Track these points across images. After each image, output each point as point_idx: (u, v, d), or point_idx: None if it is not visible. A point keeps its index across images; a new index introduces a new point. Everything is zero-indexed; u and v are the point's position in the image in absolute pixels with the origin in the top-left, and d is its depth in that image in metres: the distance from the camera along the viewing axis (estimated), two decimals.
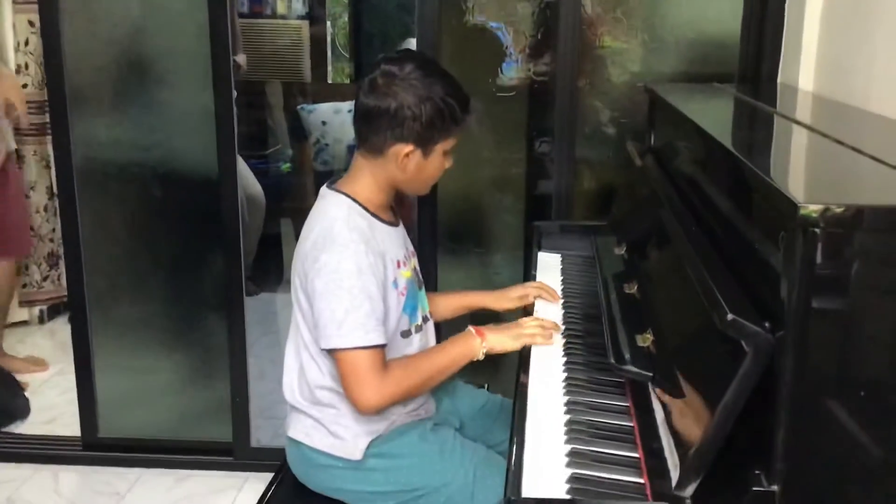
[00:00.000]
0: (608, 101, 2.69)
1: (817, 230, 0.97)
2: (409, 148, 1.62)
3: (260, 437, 2.83)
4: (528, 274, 2.22)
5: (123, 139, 2.72)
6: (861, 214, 0.98)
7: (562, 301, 1.97)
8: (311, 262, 1.61)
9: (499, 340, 1.71)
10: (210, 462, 2.84)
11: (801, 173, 1.37)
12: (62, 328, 3.89)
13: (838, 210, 0.97)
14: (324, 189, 1.72)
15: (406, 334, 1.71)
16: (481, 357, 1.70)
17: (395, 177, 1.67)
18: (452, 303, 1.98)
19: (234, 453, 2.83)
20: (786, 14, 2.37)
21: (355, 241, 1.59)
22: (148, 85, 2.68)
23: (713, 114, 1.99)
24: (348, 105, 4.47)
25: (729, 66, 2.55)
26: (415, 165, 1.65)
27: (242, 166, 3.93)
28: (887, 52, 1.80)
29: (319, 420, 1.68)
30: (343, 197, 1.67)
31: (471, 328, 1.72)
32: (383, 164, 1.65)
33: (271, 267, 4.04)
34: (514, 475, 1.28)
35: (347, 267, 1.57)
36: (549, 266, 2.24)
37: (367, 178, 1.68)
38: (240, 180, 3.42)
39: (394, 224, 1.74)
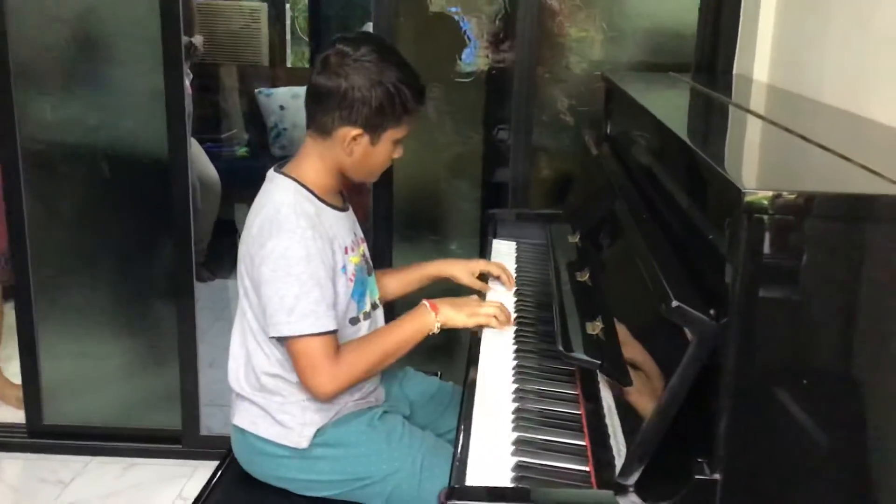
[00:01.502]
0: (566, 90, 2.68)
1: (764, 217, 0.97)
2: (356, 132, 1.59)
3: (210, 425, 2.78)
4: None
5: (71, 120, 2.66)
6: (809, 202, 0.98)
7: (515, 289, 1.96)
8: (258, 248, 1.57)
9: (453, 315, 1.69)
10: (158, 450, 2.79)
11: (752, 161, 1.37)
12: (7, 313, 3.79)
13: (787, 197, 0.97)
14: (271, 172, 1.68)
15: (354, 321, 1.69)
16: (436, 331, 1.68)
17: (342, 161, 1.64)
18: (413, 274, 1.96)
19: (182, 441, 2.79)
20: (742, 6, 2.39)
21: (303, 227, 1.55)
22: (97, 64, 2.62)
23: (668, 103, 1.99)
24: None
25: (685, 56, 2.56)
26: (362, 151, 1.62)
27: (197, 150, 3.88)
28: (840, 44, 1.81)
29: (265, 408, 1.65)
30: (290, 181, 1.63)
31: (425, 302, 1.70)
32: (331, 146, 1.62)
33: (225, 253, 3.98)
34: (459, 463, 1.27)
35: (296, 253, 1.54)
36: (504, 254, 2.23)
37: (316, 161, 1.65)
38: (194, 164, 3.38)
39: (342, 209, 1.71)
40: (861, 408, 1.05)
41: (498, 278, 1.95)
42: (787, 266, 0.99)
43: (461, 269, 1.96)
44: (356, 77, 1.57)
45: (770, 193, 0.96)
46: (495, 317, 1.72)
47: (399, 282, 1.95)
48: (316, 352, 1.55)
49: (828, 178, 1.18)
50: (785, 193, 0.97)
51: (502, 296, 1.90)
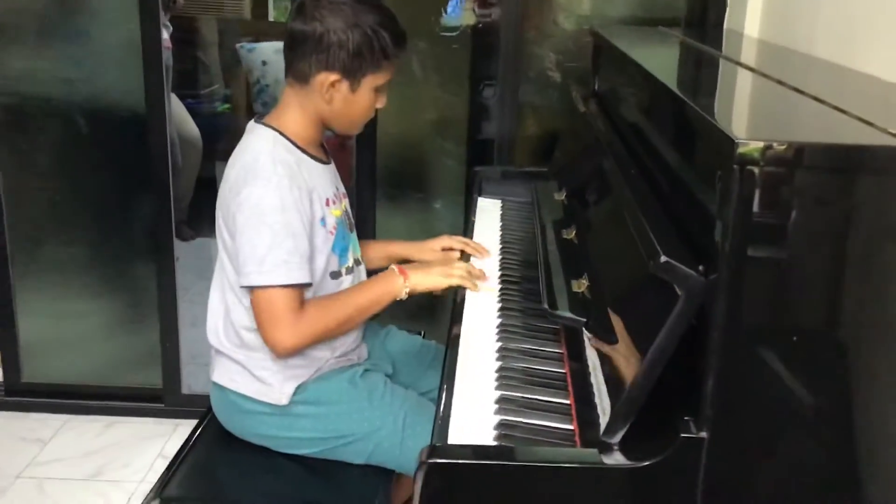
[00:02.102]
0: (553, 45, 2.64)
1: (756, 169, 0.94)
2: (334, 77, 1.55)
3: (191, 383, 2.76)
4: (467, 220, 2.18)
5: (46, 73, 2.59)
6: (802, 152, 0.95)
7: (500, 247, 1.93)
8: (233, 196, 1.54)
9: (422, 280, 1.67)
10: (139, 408, 2.77)
11: (744, 114, 1.34)
12: None
13: (779, 147, 0.94)
14: (251, 123, 1.64)
15: (336, 275, 1.65)
16: (404, 297, 1.65)
17: (322, 110, 1.59)
18: (377, 251, 1.91)
19: (164, 400, 2.76)
20: None
21: (279, 175, 1.52)
22: (72, 15, 2.55)
23: (657, 56, 1.95)
24: None
25: (675, 11, 2.52)
26: (342, 98, 1.58)
27: (178, 106, 3.80)
28: None
29: (244, 364, 1.62)
30: (269, 130, 1.59)
31: (393, 267, 1.68)
32: (309, 94, 1.58)
33: (207, 211, 3.89)
34: (441, 422, 1.24)
35: (270, 202, 1.50)
36: (489, 212, 2.20)
37: (296, 110, 1.60)
38: (174, 121, 3.31)
39: (324, 161, 1.67)
40: (852, 365, 1.03)
41: (462, 252, 1.88)
42: (779, 220, 0.97)
43: (416, 251, 1.91)
44: (332, 20, 1.52)
45: (762, 144, 0.93)
46: (467, 277, 1.69)
47: (365, 255, 1.86)
48: (279, 304, 1.51)
49: (822, 130, 1.15)
50: (777, 144, 0.94)
51: (487, 262, 1.85)
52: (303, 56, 1.55)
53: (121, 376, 2.82)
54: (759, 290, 1.01)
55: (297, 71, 1.57)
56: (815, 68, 1.71)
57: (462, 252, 1.88)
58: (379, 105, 1.64)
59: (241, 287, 1.56)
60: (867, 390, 1.05)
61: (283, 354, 1.57)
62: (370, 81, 1.58)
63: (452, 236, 1.93)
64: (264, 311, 1.52)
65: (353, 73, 1.56)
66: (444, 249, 1.90)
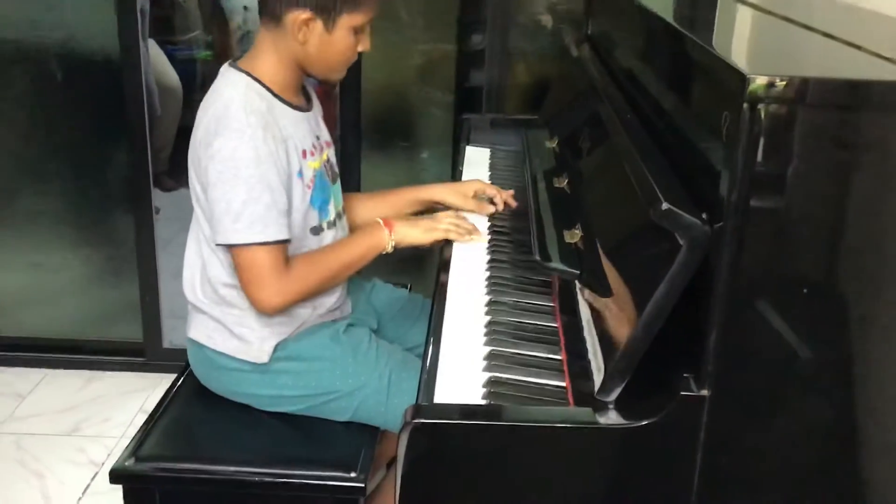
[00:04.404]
0: None
1: (768, 106, 0.86)
2: (305, 15, 1.45)
3: (173, 337, 2.70)
4: (455, 169, 2.11)
5: (14, 16, 2.49)
6: (819, 87, 0.88)
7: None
8: (204, 147, 1.45)
9: (408, 233, 1.61)
10: (120, 363, 2.72)
11: (751, 50, 1.26)
12: None
13: (793, 83, 0.86)
14: (224, 66, 1.55)
15: (316, 231, 1.58)
16: (390, 250, 1.59)
17: (297, 52, 1.50)
18: (405, 198, 1.80)
19: (145, 354, 2.71)
20: None
21: (252, 126, 1.43)
22: None
23: None
24: None
25: None
26: (317, 39, 1.48)
27: (156, 53, 3.68)
28: None
29: (222, 321, 1.55)
30: (242, 75, 1.50)
31: (379, 220, 1.61)
32: (283, 35, 1.48)
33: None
34: (427, 379, 1.19)
35: (244, 154, 1.42)
36: (477, 161, 2.13)
37: (270, 53, 1.51)
38: (153, 68, 3.20)
39: (302, 109, 1.57)
40: (862, 319, 0.97)
41: (493, 199, 1.80)
42: (793, 163, 0.90)
43: (453, 193, 1.80)
44: None
45: (775, 80, 0.86)
46: (454, 230, 1.63)
47: (380, 207, 1.77)
48: (262, 263, 1.45)
49: (838, 65, 1.07)
50: (791, 79, 0.86)
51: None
52: None
53: (101, 330, 2.77)
54: (768, 240, 0.94)
55: (269, 9, 1.47)
56: (820, 5, 1.63)
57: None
58: (361, 48, 1.54)
59: (217, 245, 1.49)
60: (877, 343, 0.99)
61: (269, 313, 1.51)
62: (347, 21, 1.48)
63: (485, 183, 1.84)
64: (246, 270, 1.45)
65: (326, 11, 1.45)
66: (476, 196, 1.81)
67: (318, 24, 1.46)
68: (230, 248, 1.47)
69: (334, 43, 1.49)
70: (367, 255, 1.58)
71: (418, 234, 1.62)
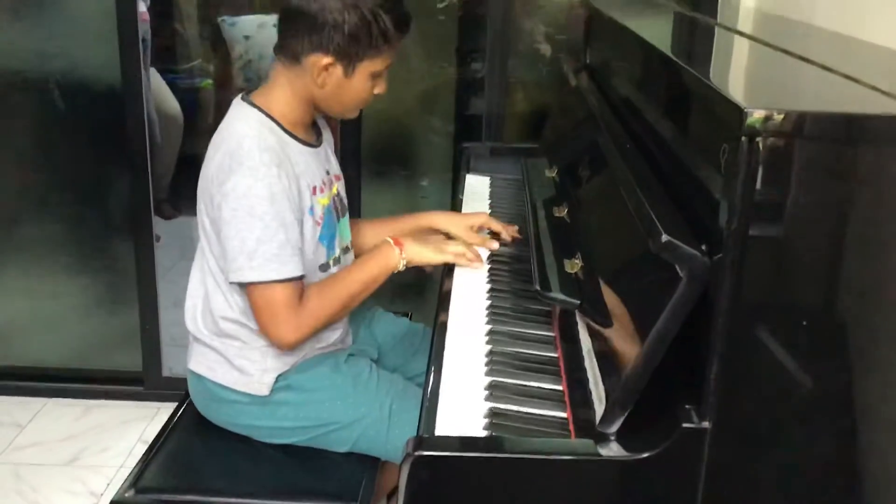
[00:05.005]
0: (543, 17, 2.57)
1: (766, 140, 0.87)
2: (327, 60, 1.45)
3: (172, 365, 2.69)
4: (455, 197, 2.11)
5: (18, 45, 2.51)
6: (816, 122, 0.88)
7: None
8: (218, 185, 1.45)
9: (419, 251, 1.60)
10: (119, 392, 2.71)
11: (748, 82, 1.27)
12: None
13: (791, 117, 0.87)
14: (237, 100, 1.55)
15: (324, 268, 1.58)
16: (402, 268, 1.59)
17: (313, 92, 1.50)
18: (400, 226, 1.79)
19: (144, 383, 2.70)
20: None
21: (267, 164, 1.43)
22: None
23: (653, 26, 1.88)
24: (273, 19, 4.20)
25: None
26: (335, 83, 1.48)
27: (158, 82, 3.70)
28: None
29: (223, 353, 1.55)
30: (254, 110, 1.50)
31: (388, 238, 1.61)
32: (300, 74, 1.48)
33: (189, 188, 3.82)
34: (428, 410, 1.18)
35: (259, 192, 1.42)
36: (477, 190, 2.14)
37: (284, 89, 1.51)
38: (155, 97, 3.22)
39: (312, 144, 1.58)
40: (863, 350, 0.97)
41: (499, 235, 1.79)
42: (791, 195, 0.90)
43: (458, 224, 1.79)
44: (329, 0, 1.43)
45: (773, 113, 0.86)
46: (461, 255, 1.63)
47: (384, 234, 1.73)
48: (278, 300, 1.45)
49: (836, 99, 1.08)
50: (789, 113, 0.87)
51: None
52: (295, 34, 1.45)
53: (100, 359, 2.76)
54: (767, 271, 0.95)
55: (289, 49, 1.47)
56: (817, 37, 1.64)
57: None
58: (377, 91, 1.54)
59: (231, 283, 1.49)
60: (877, 374, 0.99)
61: (286, 349, 1.52)
62: (367, 67, 1.48)
63: (491, 217, 1.82)
64: (263, 307, 1.46)
65: (347, 58, 1.46)
66: (480, 229, 1.79)
67: (338, 69, 1.47)
68: (246, 285, 1.47)
69: (352, 86, 1.50)
70: (380, 276, 1.58)
71: (429, 252, 1.62)
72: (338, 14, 1.42)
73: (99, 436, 2.54)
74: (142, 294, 2.63)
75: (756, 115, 0.86)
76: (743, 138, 0.88)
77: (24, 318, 2.74)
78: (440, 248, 1.64)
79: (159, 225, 2.66)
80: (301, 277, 1.48)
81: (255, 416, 1.56)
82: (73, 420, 2.61)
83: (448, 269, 1.65)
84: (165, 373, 2.69)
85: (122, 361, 2.72)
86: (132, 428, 2.57)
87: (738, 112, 0.87)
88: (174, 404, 1.73)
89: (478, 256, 1.67)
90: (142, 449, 2.33)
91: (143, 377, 2.70)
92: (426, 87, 2.69)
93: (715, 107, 0.98)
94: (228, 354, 1.54)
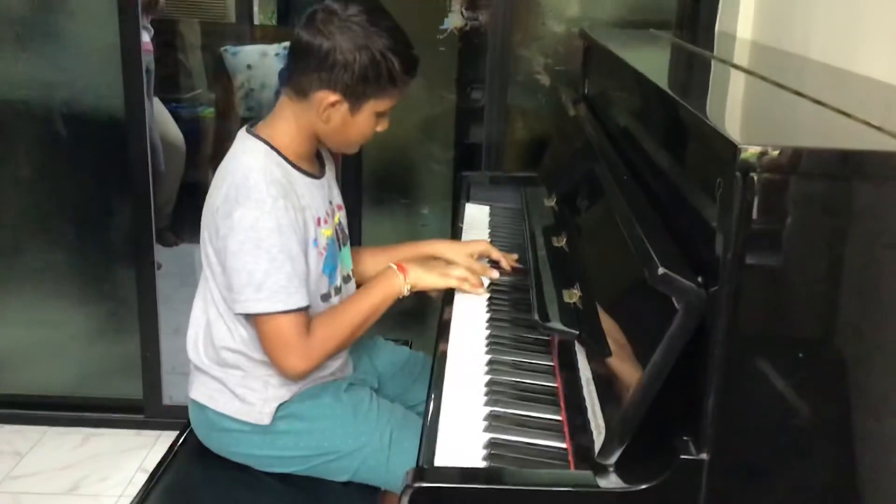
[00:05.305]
0: (542, 48, 2.59)
1: (760, 175, 0.88)
2: (334, 98, 1.47)
3: (173, 394, 2.69)
4: (454, 226, 2.13)
5: (23, 76, 2.54)
6: (810, 157, 0.90)
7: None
8: (223, 217, 1.46)
9: (423, 276, 1.62)
10: (119, 420, 2.71)
11: (743, 117, 1.28)
12: None
13: (785, 153, 0.88)
14: (242, 131, 1.56)
15: (325, 297, 1.59)
16: (406, 293, 1.60)
17: (318, 127, 1.52)
18: (401, 255, 1.78)
19: (144, 411, 2.70)
20: None
21: (273, 196, 1.44)
22: (51, 16, 2.49)
23: (650, 59, 1.90)
24: (276, 48, 4.26)
25: (665, 13, 2.48)
26: (340, 119, 1.50)
27: (161, 110, 3.73)
28: None
29: (224, 382, 1.55)
30: (259, 143, 1.51)
31: (392, 265, 1.62)
32: (307, 109, 1.50)
33: (191, 216, 3.84)
34: (428, 440, 1.19)
35: (266, 224, 1.43)
36: (477, 218, 2.15)
37: (290, 122, 1.52)
38: (157, 125, 3.25)
39: (316, 176, 1.59)
40: (861, 382, 0.98)
41: (498, 263, 1.80)
42: (785, 229, 0.91)
43: (458, 252, 1.80)
44: (341, 38, 1.43)
45: (767, 149, 0.88)
46: (464, 279, 1.64)
47: (384, 262, 1.73)
48: (287, 331, 1.46)
49: (828, 134, 1.10)
50: (783, 149, 0.88)
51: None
52: (305, 70, 1.46)
53: (100, 387, 2.76)
54: (763, 304, 0.96)
55: (297, 84, 1.49)
56: (811, 70, 1.67)
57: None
58: (380, 129, 1.56)
59: (237, 314, 1.50)
60: (874, 406, 1.00)
61: (296, 379, 1.53)
62: (373, 106, 1.49)
63: (491, 246, 1.83)
64: (271, 338, 1.47)
65: (355, 96, 1.47)
66: (480, 257, 1.81)
67: (345, 107, 1.48)
68: (253, 317, 1.48)
69: (356, 124, 1.51)
70: (385, 302, 1.59)
71: (433, 278, 1.63)
72: (349, 54, 1.43)
73: (99, 464, 2.53)
74: (143, 322, 2.64)
75: (750, 151, 0.88)
76: (737, 173, 0.89)
77: (24, 346, 2.75)
78: (444, 272, 1.65)
79: (161, 252, 2.67)
80: (307, 308, 1.49)
81: (256, 445, 1.56)
82: (72, 448, 2.61)
83: (448, 298, 1.66)
84: (166, 401, 2.69)
85: (123, 389, 2.73)
86: (132, 456, 2.57)
87: (733, 148, 0.89)
88: (174, 433, 1.73)
89: (480, 282, 1.68)
90: (141, 477, 2.34)
91: (144, 405, 2.70)
92: (427, 116, 2.72)
93: (710, 141, 1.00)
94: (230, 384, 1.55)
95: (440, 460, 1.13)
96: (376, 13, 1.47)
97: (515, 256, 1.82)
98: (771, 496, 1.02)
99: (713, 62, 1.79)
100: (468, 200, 2.24)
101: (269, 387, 1.54)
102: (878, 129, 1.00)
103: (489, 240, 1.96)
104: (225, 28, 4.52)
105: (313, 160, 1.61)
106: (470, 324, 1.56)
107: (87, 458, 2.56)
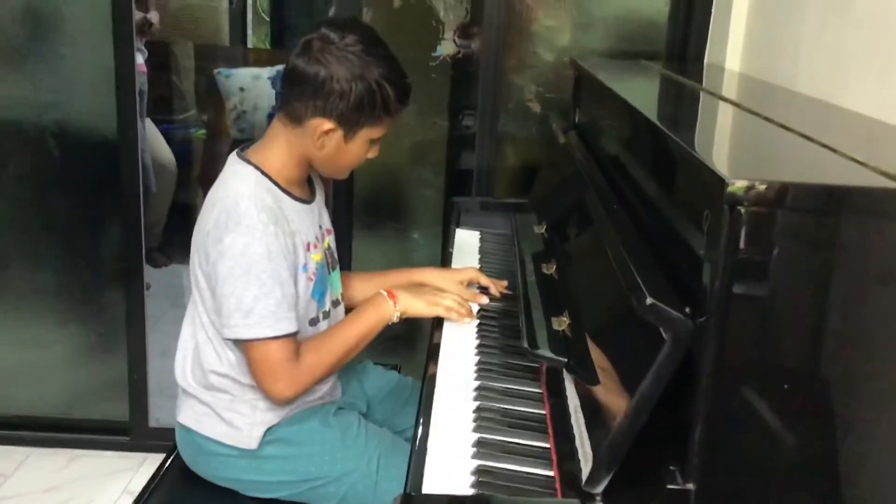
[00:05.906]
0: (534, 76, 2.62)
1: (747, 209, 0.90)
2: (329, 125, 1.48)
3: (160, 416, 2.68)
4: (445, 251, 2.13)
5: (17, 96, 2.53)
6: (796, 192, 0.91)
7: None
8: (214, 242, 1.46)
9: (412, 303, 1.63)
10: (105, 442, 2.70)
11: (732, 151, 1.30)
12: None
13: (772, 187, 0.90)
14: (233, 155, 1.57)
15: (314, 322, 1.59)
16: (395, 320, 1.61)
17: (311, 153, 1.53)
18: (391, 281, 1.79)
19: (130, 433, 2.68)
20: None
21: (264, 222, 1.45)
22: (45, 38, 2.49)
23: (639, 89, 1.93)
24: (268, 72, 4.29)
25: (656, 44, 2.51)
26: (333, 146, 1.51)
27: (153, 131, 3.75)
28: (816, 32, 1.75)
29: (211, 406, 1.55)
30: (251, 168, 1.52)
31: (382, 291, 1.63)
32: (300, 135, 1.51)
33: (181, 237, 3.85)
34: (415, 466, 1.19)
35: (256, 251, 1.44)
36: (467, 244, 2.16)
37: (282, 147, 1.53)
38: (149, 145, 3.26)
39: (306, 201, 1.60)
40: (848, 413, 0.99)
41: (487, 289, 1.82)
42: (772, 262, 0.93)
43: (447, 280, 1.80)
44: (337, 67, 1.44)
45: (755, 183, 0.89)
46: (456, 309, 1.65)
47: (374, 288, 1.73)
48: (275, 356, 1.46)
49: (814, 169, 1.11)
50: (770, 183, 0.90)
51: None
52: (300, 97, 1.47)
53: (86, 408, 2.74)
54: (750, 334, 0.97)
55: (292, 110, 1.50)
56: (798, 104, 1.69)
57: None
58: (370, 155, 1.57)
59: (226, 339, 1.50)
60: (862, 436, 1.01)
61: (283, 404, 1.53)
62: (366, 134, 1.51)
63: (479, 272, 1.84)
64: (259, 364, 1.47)
65: (349, 125, 1.49)
66: (469, 284, 1.82)
67: (339, 134, 1.49)
68: (241, 343, 1.48)
69: (349, 151, 1.53)
70: (376, 329, 1.60)
71: (422, 306, 1.64)
72: (345, 83, 1.45)
73: (84, 486, 2.51)
74: (130, 343, 2.63)
75: (738, 185, 0.89)
76: (725, 206, 0.91)
77: (10, 366, 2.73)
78: (433, 301, 1.66)
79: (150, 273, 2.67)
80: (296, 333, 1.49)
81: (244, 470, 1.56)
82: (57, 470, 2.59)
83: (437, 323, 1.67)
84: (152, 423, 2.68)
85: (109, 411, 2.71)
86: (117, 479, 2.55)
87: (721, 182, 0.90)
88: (160, 455, 1.73)
89: (470, 312, 1.68)
90: (127, 500, 2.32)
91: (130, 427, 2.68)
92: (419, 142, 2.73)
93: (698, 174, 1.01)
94: (217, 408, 1.55)
95: (428, 487, 1.14)
96: (372, 43, 1.49)
97: (505, 283, 1.83)
98: None
99: (702, 94, 1.82)
100: (458, 226, 2.25)
101: (257, 411, 1.54)
102: (863, 164, 1.02)
103: (479, 266, 1.97)
104: (218, 51, 4.56)
105: (304, 185, 1.61)
106: (459, 349, 1.57)
107: (72, 480, 2.54)
